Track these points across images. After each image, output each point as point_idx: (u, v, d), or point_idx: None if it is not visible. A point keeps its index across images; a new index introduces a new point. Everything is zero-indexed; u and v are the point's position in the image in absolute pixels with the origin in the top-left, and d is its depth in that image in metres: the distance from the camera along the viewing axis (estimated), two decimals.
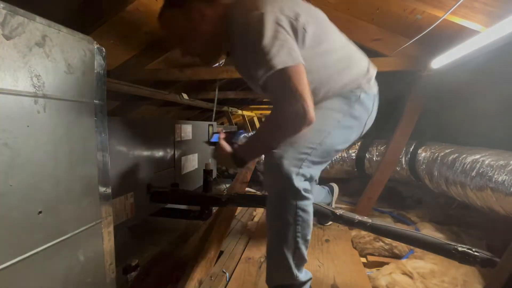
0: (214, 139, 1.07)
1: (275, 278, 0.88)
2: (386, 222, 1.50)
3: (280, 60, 0.67)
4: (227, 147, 0.86)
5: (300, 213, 0.78)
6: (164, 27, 0.87)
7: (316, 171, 0.83)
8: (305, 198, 0.78)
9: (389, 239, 1.30)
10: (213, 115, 2.58)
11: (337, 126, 0.84)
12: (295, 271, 0.83)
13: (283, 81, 0.68)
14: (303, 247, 0.82)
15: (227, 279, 1.09)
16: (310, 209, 0.81)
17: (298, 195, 0.76)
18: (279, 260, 0.84)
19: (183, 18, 0.82)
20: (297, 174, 0.75)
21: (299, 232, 0.80)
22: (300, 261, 0.84)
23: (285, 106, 0.69)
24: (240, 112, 4.59)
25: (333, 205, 1.61)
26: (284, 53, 0.68)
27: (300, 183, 0.75)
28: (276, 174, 0.74)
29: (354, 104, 0.86)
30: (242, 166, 0.81)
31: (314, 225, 1.62)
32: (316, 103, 0.75)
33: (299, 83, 0.67)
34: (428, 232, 1.45)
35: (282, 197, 0.76)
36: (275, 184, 0.76)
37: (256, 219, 1.79)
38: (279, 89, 0.70)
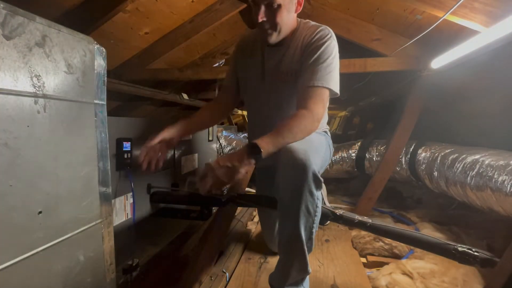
0: None
1: (295, 275, 0.87)
2: (386, 222, 1.51)
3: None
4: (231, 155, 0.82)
5: (318, 203, 0.83)
6: None
7: None
8: (322, 187, 0.83)
9: (389, 239, 1.30)
10: None
11: (329, 150, 1.11)
12: (308, 262, 0.86)
13: (323, 95, 0.91)
14: (313, 237, 0.87)
15: (227, 279, 1.09)
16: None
17: (319, 185, 0.81)
18: (302, 255, 0.85)
19: None
20: (316, 167, 0.80)
21: (315, 222, 0.84)
22: (309, 251, 0.87)
23: (317, 114, 0.88)
24: (240, 112, 4.59)
25: (327, 203, 1.60)
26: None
27: (319, 174, 0.81)
28: (303, 171, 0.78)
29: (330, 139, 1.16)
30: (256, 160, 0.79)
31: None
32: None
33: (327, 102, 0.93)
34: (428, 232, 1.45)
35: (310, 190, 0.79)
36: (302, 178, 0.78)
37: (256, 219, 1.79)
38: (319, 99, 0.90)
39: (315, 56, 0.92)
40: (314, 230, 0.85)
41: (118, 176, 1.03)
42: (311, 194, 0.79)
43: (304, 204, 0.80)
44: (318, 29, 0.96)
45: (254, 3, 0.92)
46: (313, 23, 1.01)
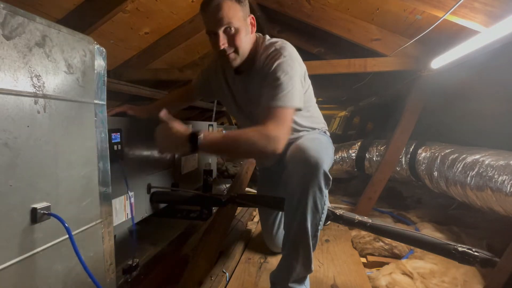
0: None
1: (299, 271, 0.88)
2: (386, 222, 1.50)
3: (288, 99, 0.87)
4: (182, 127, 0.85)
5: (326, 200, 0.86)
6: (224, 10, 0.87)
7: None
8: (330, 185, 0.87)
9: (389, 239, 1.30)
10: (213, 115, 2.58)
11: (332, 150, 1.12)
12: (312, 259, 0.89)
13: (283, 115, 0.85)
14: (318, 234, 0.89)
15: (227, 279, 1.09)
16: None
17: (328, 182, 0.84)
18: (307, 250, 0.87)
19: (242, 15, 0.90)
20: (326, 165, 0.84)
21: (321, 220, 0.87)
22: (313, 248, 0.89)
23: (274, 133, 0.81)
24: None
25: (327, 203, 1.60)
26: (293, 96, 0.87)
27: (328, 174, 0.85)
28: (315, 168, 0.81)
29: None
30: (191, 152, 0.84)
31: None
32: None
33: (290, 122, 0.87)
34: (428, 232, 1.45)
35: (320, 186, 0.82)
36: (314, 174, 0.81)
37: (256, 219, 1.79)
38: (277, 119, 0.85)
39: (271, 77, 0.90)
40: (319, 228, 0.88)
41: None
42: (320, 190, 0.82)
43: (313, 200, 0.82)
44: (270, 51, 0.94)
45: (211, 32, 0.90)
46: (269, 42, 0.98)
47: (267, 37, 1.02)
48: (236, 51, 0.92)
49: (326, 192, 0.85)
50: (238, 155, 0.85)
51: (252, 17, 0.95)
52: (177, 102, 1.36)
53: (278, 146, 0.81)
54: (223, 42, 0.89)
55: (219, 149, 0.87)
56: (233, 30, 0.89)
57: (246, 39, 0.93)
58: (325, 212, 0.87)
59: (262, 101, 0.90)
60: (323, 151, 0.86)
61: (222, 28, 0.88)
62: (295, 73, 0.90)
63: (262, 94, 0.91)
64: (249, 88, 1.02)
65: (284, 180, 0.89)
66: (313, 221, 0.85)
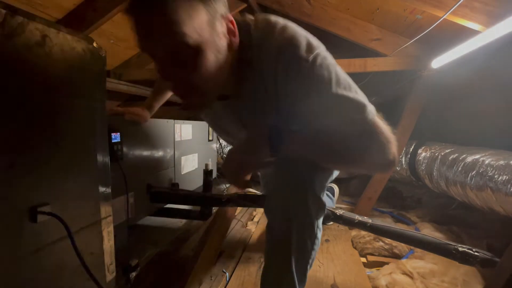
0: None
1: None
2: (386, 222, 1.50)
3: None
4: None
5: (318, 233, 0.69)
6: (168, 18, 0.45)
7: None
8: (324, 213, 0.70)
9: (389, 239, 1.30)
10: None
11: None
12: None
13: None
14: (306, 277, 0.71)
15: (227, 279, 1.09)
16: None
17: (319, 213, 0.67)
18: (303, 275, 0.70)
19: (207, 20, 0.49)
20: (321, 193, 0.68)
21: (312, 258, 0.70)
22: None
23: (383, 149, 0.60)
24: None
25: (334, 205, 1.60)
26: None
27: (323, 198, 0.69)
28: (301, 191, 0.64)
29: None
30: (272, 154, 0.57)
31: None
32: None
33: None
34: (428, 232, 1.45)
35: (309, 214, 0.65)
36: (299, 204, 0.64)
37: (256, 219, 1.79)
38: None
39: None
40: (309, 268, 0.69)
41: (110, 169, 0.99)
42: (311, 222, 0.66)
43: (299, 237, 0.64)
44: (283, 48, 0.56)
45: (152, 57, 0.52)
46: (259, 31, 0.59)
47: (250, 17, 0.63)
48: (198, 91, 0.54)
49: (318, 222, 0.66)
50: (345, 163, 0.61)
51: (232, 21, 0.55)
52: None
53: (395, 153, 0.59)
54: (165, 75, 0.52)
55: (313, 155, 0.59)
56: (189, 52, 0.49)
57: (217, 63, 0.53)
58: (316, 247, 0.68)
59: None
60: (312, 167, 0.64)
61: (166, 54, 0.50)
62: (334, 61, 0.66)
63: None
64: (254, 89, 0.64)
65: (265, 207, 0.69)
66: (301, 263, 0.65)
